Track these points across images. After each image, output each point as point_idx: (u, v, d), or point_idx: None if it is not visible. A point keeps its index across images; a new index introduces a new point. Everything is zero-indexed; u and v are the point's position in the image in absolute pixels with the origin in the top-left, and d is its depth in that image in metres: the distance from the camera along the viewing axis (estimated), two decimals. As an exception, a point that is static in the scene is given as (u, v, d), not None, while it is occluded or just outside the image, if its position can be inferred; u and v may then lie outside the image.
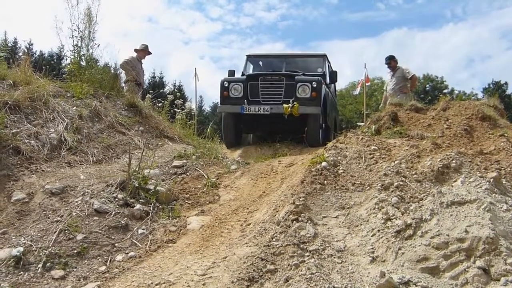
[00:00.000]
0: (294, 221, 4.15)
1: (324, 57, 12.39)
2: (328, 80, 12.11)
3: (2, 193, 5.22)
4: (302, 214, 4.22)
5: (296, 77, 10.37)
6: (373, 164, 5.32)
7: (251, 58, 12.86)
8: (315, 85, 10.10)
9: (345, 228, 4.18)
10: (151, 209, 5.19)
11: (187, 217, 5.13)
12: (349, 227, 4.19)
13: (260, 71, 12.28)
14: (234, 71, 12.58)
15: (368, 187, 4.79)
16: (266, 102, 10.23)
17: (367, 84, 17.23)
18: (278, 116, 9.93)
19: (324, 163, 5.22)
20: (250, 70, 12.55)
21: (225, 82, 10.71)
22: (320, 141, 9.85)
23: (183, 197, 5.73)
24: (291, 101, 9.87)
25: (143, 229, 4.87)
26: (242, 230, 4.49)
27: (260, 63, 12.97)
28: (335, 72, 12.45)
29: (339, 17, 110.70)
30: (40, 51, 37.43)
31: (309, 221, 4.15)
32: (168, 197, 5.54)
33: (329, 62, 12.91)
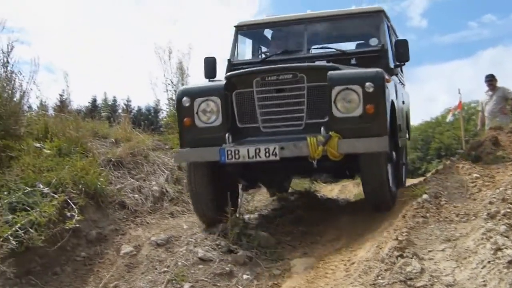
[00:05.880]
0: (399, 257, 4.07)
1: (381, 14, 6.55)
2: (392, 61, 6.37)
3: (112, 247, 5.53)
4: (406, 250, 4.13)
5: (329, 73, 5.16)
6: (477, 192, 5.14)
7: (243, 31, 6.92)
8: (371, 90, 4.94)
9: (453, 261, 4.04)
10: (254, 254, 5.26)
11: (290, 260, 5.15)
12: (457, 260, 4.04)
13: (264, 55, 7.11)
14: (214, 59, 6.76)
15: (473, 217, 4.62)
16: (270, 130, 5.49)
17: (458, 110, 16.62)
18: (299, 161, 5.26)
19: (425, 196, 5.10)
20: (246, 55, 7.11)
21: (184, 98, 5.49)
22: (390, 198, 5.53)
23: (284, 240, 5.78)
24: (322, 128, 5.09)
25: (247, 275, 4.93)
26: (347, 270, 4.47)
27: (265, 39, 7.37)
28: (405, 42, 6.26)
29: (430, 40, 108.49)
30: (138, 107, 39.60)
31: (415, 256, 4.06)
32: (270, 241, 5.60)
33: (391, 24, 7.16)
